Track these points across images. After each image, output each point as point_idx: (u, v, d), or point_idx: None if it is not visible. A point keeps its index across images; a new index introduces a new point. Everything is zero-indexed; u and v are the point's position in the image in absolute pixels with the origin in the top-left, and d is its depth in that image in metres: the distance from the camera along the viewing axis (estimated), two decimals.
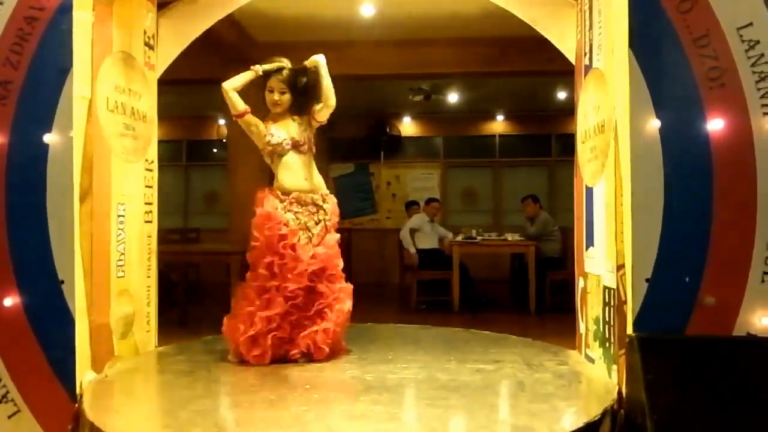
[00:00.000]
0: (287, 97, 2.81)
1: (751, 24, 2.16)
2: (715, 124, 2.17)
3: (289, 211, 2.72)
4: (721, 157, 2.16)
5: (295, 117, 2.83)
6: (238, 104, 2.77)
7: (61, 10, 2.35)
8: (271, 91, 2.79)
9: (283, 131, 2.79)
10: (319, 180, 2.87)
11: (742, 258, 2.14)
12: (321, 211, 2.80)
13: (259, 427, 1.99)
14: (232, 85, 2.76)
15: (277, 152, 2.78)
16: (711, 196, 2.15)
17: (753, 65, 2.16)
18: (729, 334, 2.14)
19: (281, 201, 2.74)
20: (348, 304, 2.84)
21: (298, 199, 2.75)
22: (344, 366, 2.71)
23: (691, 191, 2.17)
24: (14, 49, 2.33)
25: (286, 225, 2.69)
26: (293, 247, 2.67)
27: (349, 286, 2.88)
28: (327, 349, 2.72)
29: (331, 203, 2.86)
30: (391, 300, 6.76)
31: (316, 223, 2.78)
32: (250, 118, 2.80)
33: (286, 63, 2.86)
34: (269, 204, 2.72)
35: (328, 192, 2.88)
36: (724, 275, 2.15)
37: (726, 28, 2.17)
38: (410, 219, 6.57)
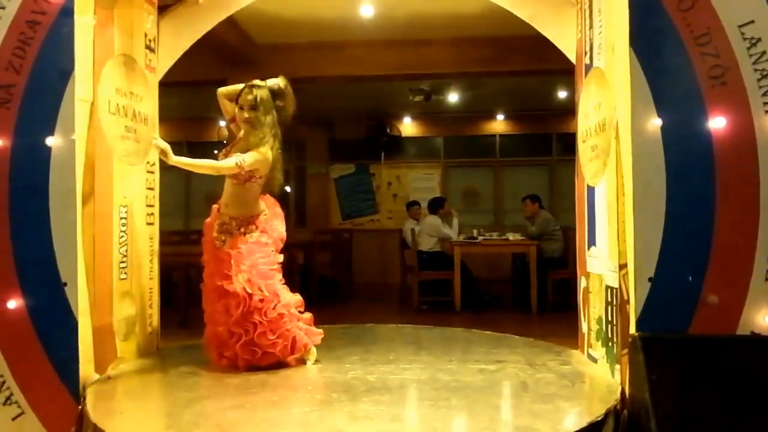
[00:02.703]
0: (255, 114, 2.73)
1: (752, 21, 2.16)
2: (717, 123, 2.17)
3: (216, 221, 2.81)
4: (723, 156, 2.16)
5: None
6: (230, 110, 2.85)
7: (62, 14, 2.35)
8: (242, 108, 2.75)
9: (234, 157, 2.72)
10: (244, 211, 2.77)
11: (745, 256, 2.13)
12: (227, 235, 2.75)
13: (262, 428, 1.99)
14: (225, 92, 2.86)
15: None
16: (713, 195, 2.15)
17: (755, 63, 2.16)
18: (733, 333, 2.13)
19: (217, 212, 2.83)
20: (275, 306, 2.66)
21: (219, 217, 2.82)
22: (346, 367, 2.71)
23: (693, 190, 2.17)
24: (17, 53, 2.34)
25: (209, 235, 2.80)
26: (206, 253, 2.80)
27: (274, 290, 2.70)
28: (275, 352, 2.65)
29: (245, 233, 2.76)
30: (393, 300, 6.75)
31: (222, 242, 2.75)
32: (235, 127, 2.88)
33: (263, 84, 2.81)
34: (211, 215, 2.85)
35: (252, 224, 2.78)
36: (727, 274, 2.14)
37: (727, 25, 2.17)
38: (436, 220, 6.33)
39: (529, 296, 5.68)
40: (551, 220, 6.29)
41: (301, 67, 6.06)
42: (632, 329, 2.18)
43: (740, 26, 2.16)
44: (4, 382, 2.30)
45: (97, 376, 2.48)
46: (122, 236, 2.78)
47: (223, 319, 2.67)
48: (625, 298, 2.27)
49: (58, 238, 2.32)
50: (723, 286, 2.14)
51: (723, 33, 2.17)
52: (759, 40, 2.15)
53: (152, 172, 3.11)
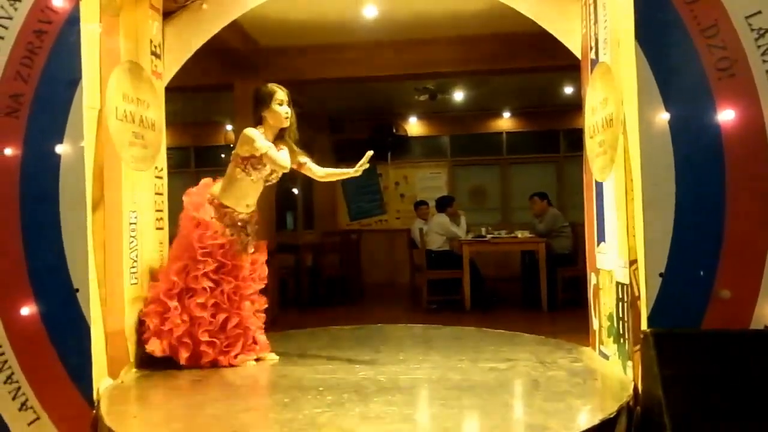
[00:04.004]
0: (291, 112, 2.79)
1: (759, 12, 2.14)
2: (726, 115, 2.15)
3: (233, 227, 2.78)
4: (733, 148, 2.14)
5: (283, 147, 2.79)
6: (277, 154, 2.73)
7: (68, 23, 2.37)
8: (282, 104, 2.76)
9: (286, 156, 2.76)
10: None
11: (757, 249, 2.11)
12: (248, 228, 2.85)
13: (274, 430, 1.99)
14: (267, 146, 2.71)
15: (265, 176, 2.79)
16: (723, 188, 2.13)
17: (763, 54, 2.13)
18: (746, 328, 2.11)
19: (231, 220, 2.77)
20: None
21: (246, 221, 2.83)
22: (357, 367, 2.71)
23: (702, 183, 2.15)
24: (24, 63, 2.36)
25: (222, 235, 2.75)
26: (233, 256, 2.76)
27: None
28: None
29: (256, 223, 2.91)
30: (402, 300, 6.75)
31: (246, 239, 2.83)
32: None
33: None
34: (206, 213, 2.76)
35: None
36: (739, 267, 2.12)
37: (734, 17, 2.15)
38: (444, 219, 6.34)
39: (539, 294, 5.66)
40: (559, 216, 6.27)
41: (305, 70, 6.08)
42: (644, 325, 2.16)
43: (747, 17, 2.14)
44: (19, 388, 2.33)
45: (110, 381, 2.50)
46: (132, 242, 2.79)
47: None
48: (636, 294, 2.25)
49: (69, 244, 2.34)
50: (735, 280, 2.12)
51: (730, 24, 2.14)
52: (767, 31, 2.13)
53: (160, 178, 3.13)
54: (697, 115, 2.17)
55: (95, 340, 2.38)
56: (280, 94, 2.76)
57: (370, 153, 2.74)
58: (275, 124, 2.76)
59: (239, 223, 2.81)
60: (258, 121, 2.77)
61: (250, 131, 2.69)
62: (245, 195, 2.82)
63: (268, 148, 2.66)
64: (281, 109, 2.75)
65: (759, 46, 2.14)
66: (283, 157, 2.72)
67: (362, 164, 2.75)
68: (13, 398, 2.32)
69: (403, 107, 8.79)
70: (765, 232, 2.11)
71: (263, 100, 2.76)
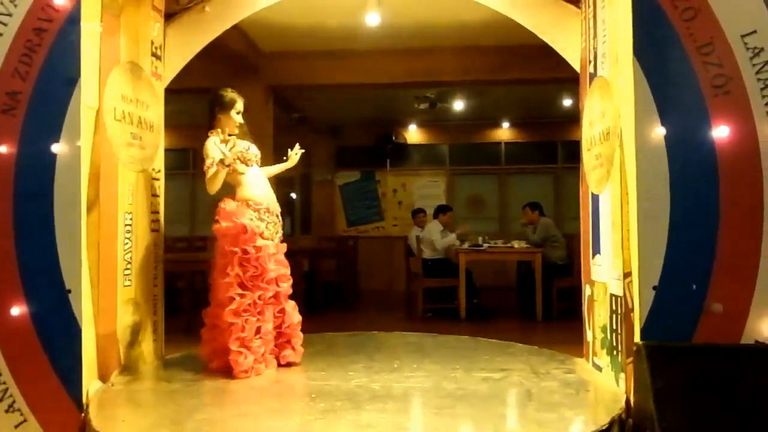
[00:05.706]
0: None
1: (755, 31, 2.16)
2: (721, 131, 2.17)
3: (261, 220, 2.85)
4: (727, 164, 2.15)
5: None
6: (220, 176, 2.76)
7: (69, 21, 2.37)
8: (238, 113, 2.93)
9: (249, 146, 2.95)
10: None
11: (750, 265, 2.12)
12: (279, 223, 2.97)
13: None
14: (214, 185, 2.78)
15: (249, 165, 2.91)
16: (717, 203, 2.14)
17: (758, 72, 2.15)
18: (737, 342, 2.12)
19: (255, 212, 2.83)
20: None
21: (269, 210, 2.90)
22: (350, 374, 2.70)
23: (696, 198, 2.17)
24: (23, 60, 2.36)
25: (261, 236, 2.81)
26: (267, 257, 2.81)
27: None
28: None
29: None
30: (397, 308, 6.73)
31: (276, 233, 2.94)
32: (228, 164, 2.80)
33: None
34: (245, 216, 2.79)
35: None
36: (732, 282, 2.13)
37: (730, 35, 2.17)
38: (436, 226, 6.37)
39: (534, 304, 5.65)
40: (551, 225, 6.27)
41: (306, 75, 6.10)
42: (637, 337, 2.17)
43: (743, 36, 2.16)
44: (6, 390, 2.31)
45: (100, 384, 2.48)
46: (127, 243, 2.79)
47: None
48: (630, 306, 2.26)
49: (62, 244, 2.33)
50: (727, 294, 2.13)
51: (726, 42, 2.17)
52: (761, 49, 2.15)
53: (157, 179, 3.13)
54: (693, 131, 2.19)
55: (86, 341, 2.37)
56: (240, 104, 2.94)
57: (298, 147, 3.09)
58: (228, 129, 2.89)
59: (262, 210, 2.86)
60: (212, 122, 2.91)
61: (207, 145, 2.80)
62: (253, 184, 2.89)
63: (213, 171, 2.74)
64: (237, 117, 2.92)
65: (754, 65, 2.15)
66: (219, 150, 2.77)
67: (293, 155, 3.08)
68: (0, 400, 2.30)
69: (403, 115, 8.81)
70: (757, 246, 2.12)
71: (224, 105, 2.91)
